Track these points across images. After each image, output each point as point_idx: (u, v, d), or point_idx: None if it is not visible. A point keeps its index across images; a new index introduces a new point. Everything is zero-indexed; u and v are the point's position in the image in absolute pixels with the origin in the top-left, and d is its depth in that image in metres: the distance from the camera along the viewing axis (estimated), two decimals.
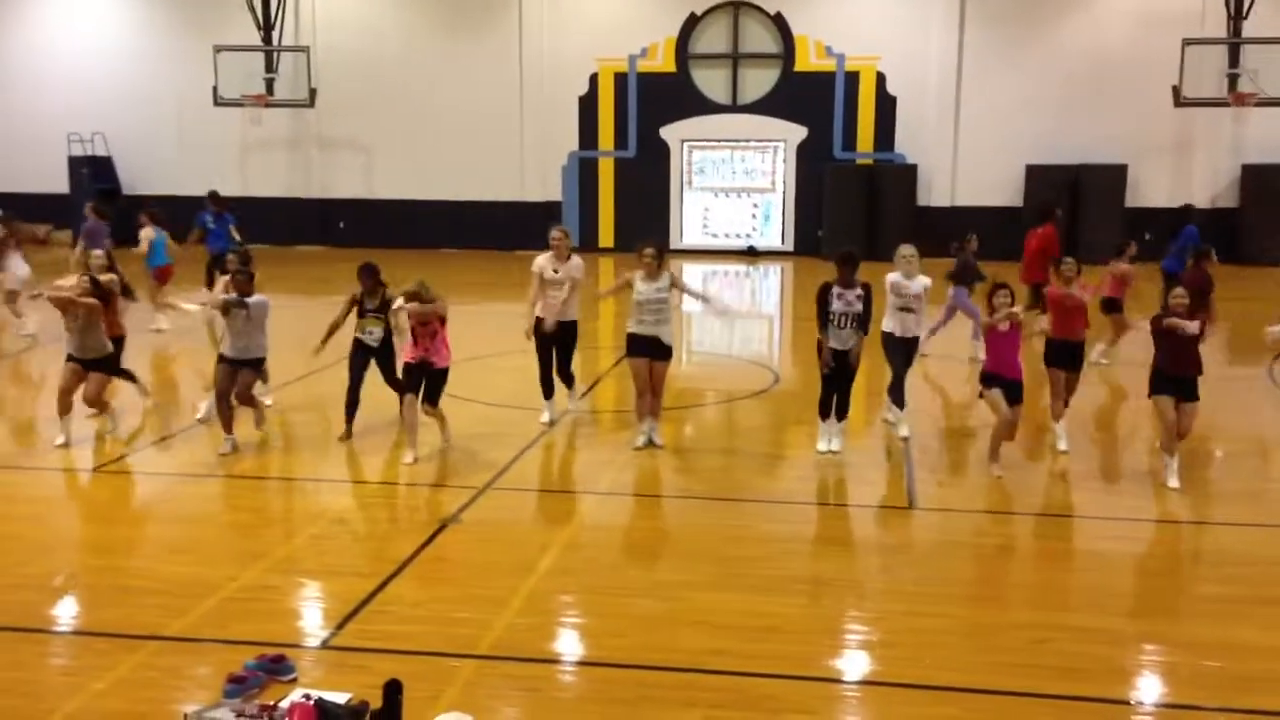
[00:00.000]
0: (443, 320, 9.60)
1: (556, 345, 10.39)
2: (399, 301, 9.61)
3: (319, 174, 27.08)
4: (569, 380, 10.71)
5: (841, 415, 9.76)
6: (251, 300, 9.61)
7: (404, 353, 9.73)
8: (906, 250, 9.94)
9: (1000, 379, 9.08)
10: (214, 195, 17.63)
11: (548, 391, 10.54)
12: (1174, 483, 8.82)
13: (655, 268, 9.56)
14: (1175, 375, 8.83)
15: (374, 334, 9.98)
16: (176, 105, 26.59)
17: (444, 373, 9.64)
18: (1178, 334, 8.72)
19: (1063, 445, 9.65)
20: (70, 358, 9.89)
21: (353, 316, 10.03)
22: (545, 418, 10.52)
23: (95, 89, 26.76)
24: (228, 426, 9.75)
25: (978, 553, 7.67)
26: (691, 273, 21.78)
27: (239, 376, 9.69)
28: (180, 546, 7.71)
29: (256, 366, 9.95)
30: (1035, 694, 5.56)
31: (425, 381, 9.57)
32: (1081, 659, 5.95)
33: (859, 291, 9.38)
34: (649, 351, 9.65)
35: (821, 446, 9.76)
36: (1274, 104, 22.28)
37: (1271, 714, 5.41)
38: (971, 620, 6.46)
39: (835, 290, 9.40)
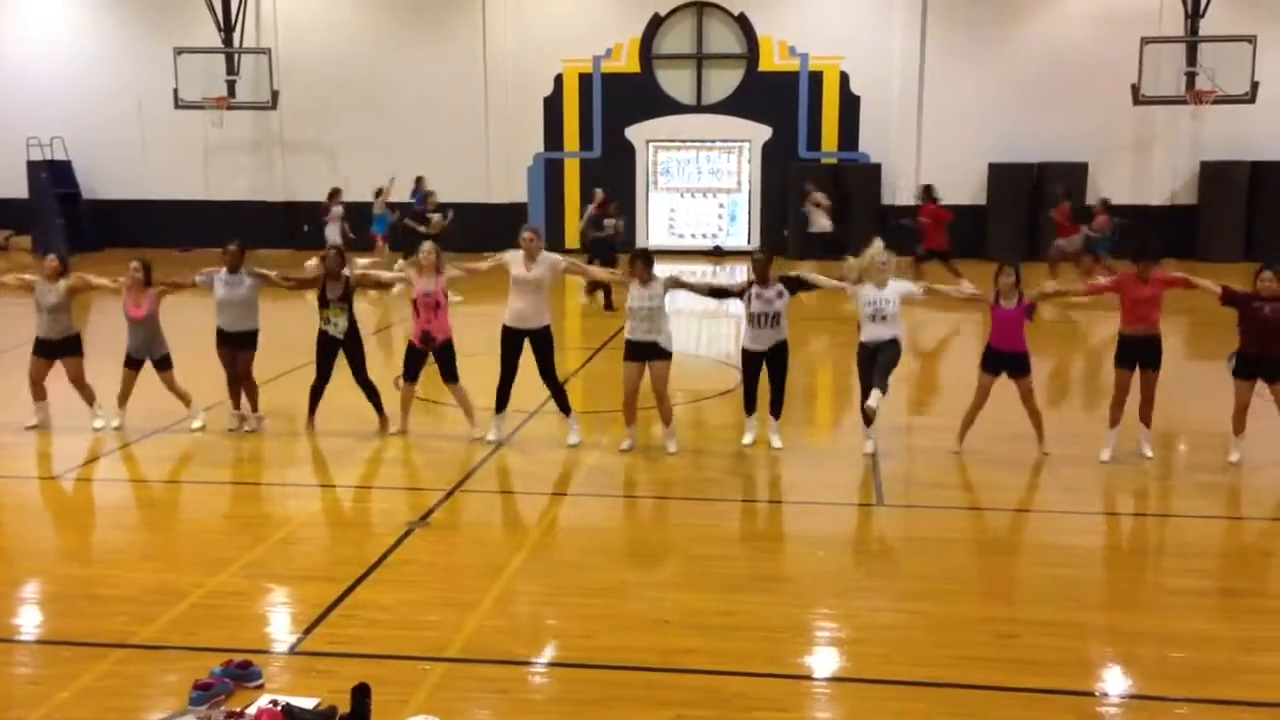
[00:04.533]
0: (445, 294, 9.98)
1: (535, 354, 9.82)
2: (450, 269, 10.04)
3: (282, 177, 26.89)
4: (561, 397, 9.99)
5: (776, 412, 9.82)
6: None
7: (412, 334, 10.08)
8: (880, 257, 9.37)
9: (1002, 354, 9.37)
10: None
11: (501, 404, 9.93)
12: (1234, 457, 9.21)
13: (647, 275, 9.52)
14: (1257, 355, 9.10)
15: (337, 325, 10.02)
16: (137, 108, 26.30)
17: (449, 345, 9.97)
18: (1259, 316, 9.00)
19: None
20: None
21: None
22: (491, 435, 9.93)
23: (54, 92, 26.42)
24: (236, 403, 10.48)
25: (945, 549, 7.70)
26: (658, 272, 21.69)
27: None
28: (146, 553, 7.64)
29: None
30: (1002, 688, 5.60)
31: (437, 360, 9.96)
32: (1048, 652, 6.00)
33: (778, 289, 9.49)
34: (645, 356, 9.59)
35: (747, 440, 9.82)
36: (1231, 101, 22.56)
37: (1236, 704, 5.48)
38: (939, 616, 6.50)
39: (754, 290, 9.51)
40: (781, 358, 9.66)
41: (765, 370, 9.70)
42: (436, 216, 19.30)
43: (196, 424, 10.38)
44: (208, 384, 10.72)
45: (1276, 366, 9.09)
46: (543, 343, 9.87)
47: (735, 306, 10.45)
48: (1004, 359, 9.43)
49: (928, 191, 20.12)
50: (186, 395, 10.41)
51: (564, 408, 10.07)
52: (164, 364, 10.31)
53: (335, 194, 21.38)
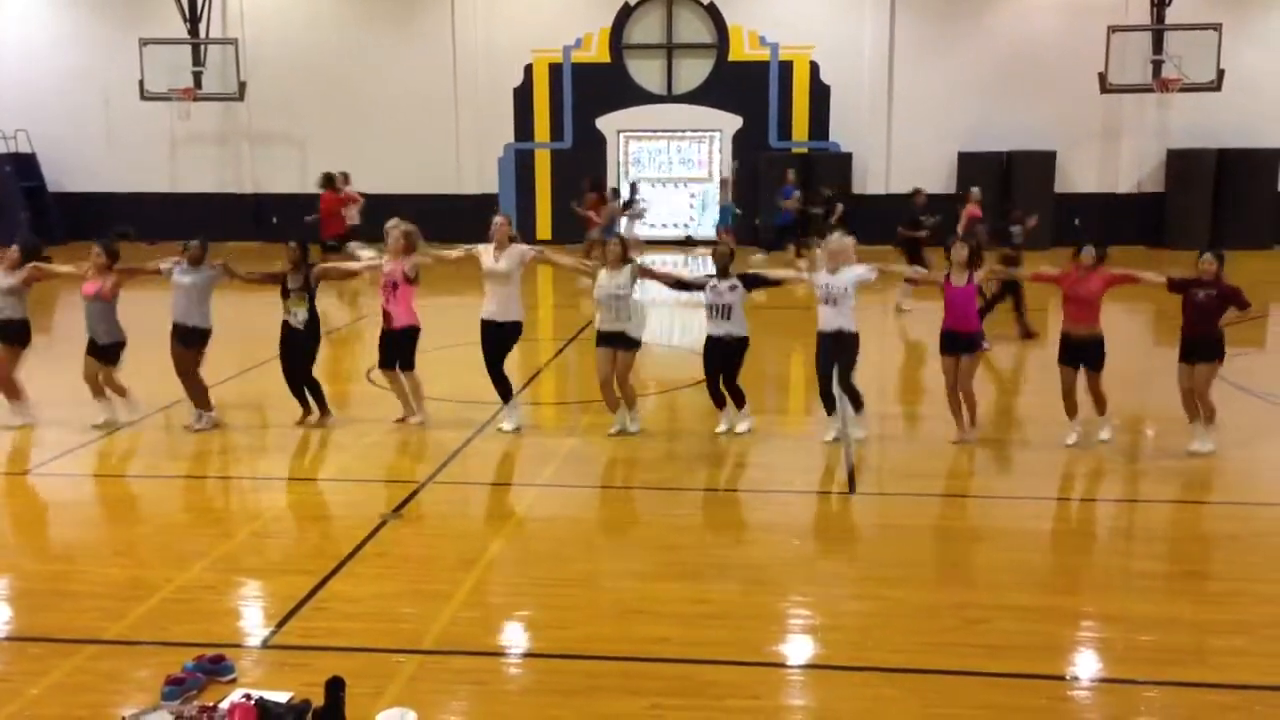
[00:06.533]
0: (408, 279, 9.90)
1: (495, 345, 9.88)
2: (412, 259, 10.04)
3: (250, 169, 26.70)
4: (503, 388, 10.04)
5: (738, 402, 9.95)
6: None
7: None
8: (830, 245, 9.66)
9: (956, 335, 9.47)
10: None
11: (505, 395, 10.04)
12: (1194, 446, 9.28)
13: (618, 259, 9.60)
14: (1186, 338, 9.28)
15: (297, 315, 10.00)
16: (102, 100, 26.05)
17: (403, 332, 9.97)
18: (1194, 301, 9.12)
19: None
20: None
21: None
22: (507, 425, 10.02)
23: (18, 85, 26.11)
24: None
25: (916, 535, 7.76)
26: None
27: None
28: (116, 549, 7.59)
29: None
30: (973, 672, 5.65)
31: (393, 343, 10.00)
32: (1018, 637, 6.06)
33: (731, 283, 9.63)
34: (613, 343, 9.69)
35: (720, 428, 9.94)
36: (1197, 89, 22.76)
37: (1204, 686, 5.54)
38: (910, 602, 6.54)
39: (711, 283, 9.71)
40: (732, 352, 9.75)
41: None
42: (930, 220, 16.88)
43: (99, 419, 10.15)
44: (168, 384, 10.60)
45: (1204, 349, 9.24)
46: (506, 336, 9.90)
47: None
48: (958, 340, 9.55)
49: (328, 180, 20.58)
50: (122, 389, 10.22)
51: (504, 396, 10.08)
52: (107, 355, 10.08)
53: (600, 184, 21.48)
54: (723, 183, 20.93)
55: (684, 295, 11.30)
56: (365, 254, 10.58)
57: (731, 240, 18.80)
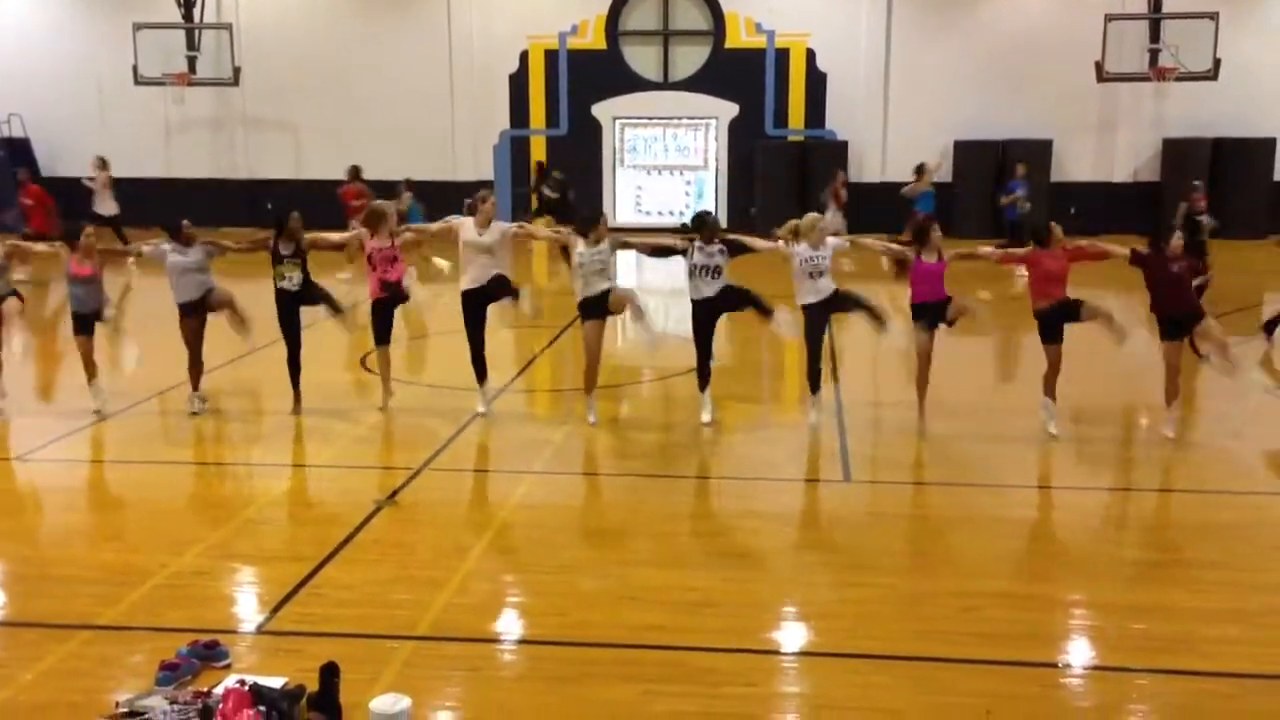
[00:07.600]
0: (399, 249, 10.06)
1: (477, 310, 9.95)
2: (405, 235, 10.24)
3: (245, 154, 26.60)
4: (483, 365, 10.12)
5: (766, 311, 9.85)
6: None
7: (370, 291, 10.07)
8: (820, 222, 9.73)
9: (929, 305, 9.46)
10: None
11: (481, 375, 10.11)
12: (1169, 432, 9.33)
13: (600, 236, 9.66)
14: (1169, 318, 9.22)
15: (292, 279, 10.00)
16: (96, 85, 25.94)
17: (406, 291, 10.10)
18: (1168, 274, 9.12)
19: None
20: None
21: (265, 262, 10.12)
22: (481, 408, 10.11)
23: (11, 69, 25.98)
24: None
25: (909, 524, 7.79)
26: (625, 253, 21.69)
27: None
28: (109, 534, 7.59)
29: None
30: (965, 660, 5.67)
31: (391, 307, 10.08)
32: (1010, 625, 6.07)
33: (719, 246, 9.67)
34: (599, 311, 9.68)
35: (705, 418, 9.84)
36: (1194, 79, 22.72)
37: (1195, 674, 5.56)
38: (903, 590, 6.56)
39: (697, 244, 9.68)
40: (733, 295, 9.72)
41: (724, 319, 9.90)
42: (1210, 223, 15.94)
43: (95, 404, 10.12)
44: (162, 369, 10.59)
45: (1191, 319, 9.26)
46: (498, 289, 9.93)
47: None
48: (933, 309, 9.52)
49: (32, 174, 20.44)
50: (95, 367, 10.15)
51: (480, 374, 10.13)
52: (91, 326, 10.06)
53: (837, 176, 21.27)
54: (920, 168, 20.51)
55: (680, 282, 11.26)
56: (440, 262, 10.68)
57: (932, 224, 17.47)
